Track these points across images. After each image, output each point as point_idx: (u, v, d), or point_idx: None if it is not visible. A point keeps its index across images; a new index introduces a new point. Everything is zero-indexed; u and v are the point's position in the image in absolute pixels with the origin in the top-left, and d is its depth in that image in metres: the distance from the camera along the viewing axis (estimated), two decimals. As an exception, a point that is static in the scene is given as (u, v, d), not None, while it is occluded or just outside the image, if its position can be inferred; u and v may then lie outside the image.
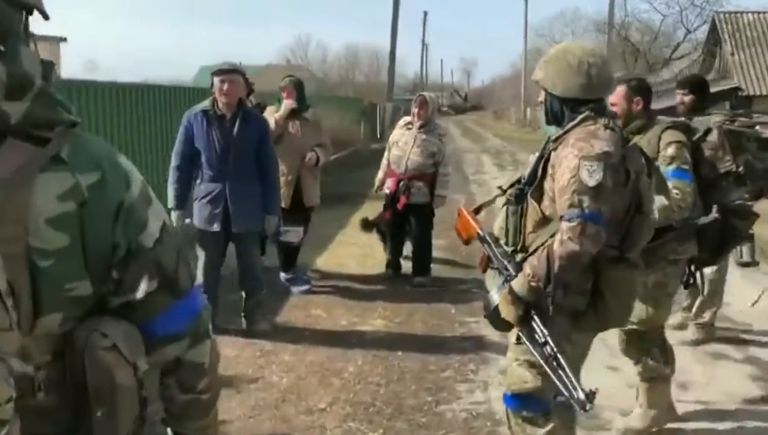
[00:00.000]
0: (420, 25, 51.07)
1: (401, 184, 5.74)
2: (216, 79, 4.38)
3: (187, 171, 4.47)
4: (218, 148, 4.37)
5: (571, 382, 2.01)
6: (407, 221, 5.92)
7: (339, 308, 5.20)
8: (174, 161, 4.50)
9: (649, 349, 3.24)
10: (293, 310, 5.15)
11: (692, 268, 3.30)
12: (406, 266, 6.09)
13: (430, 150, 5.70)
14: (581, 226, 2.06)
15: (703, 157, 3.31)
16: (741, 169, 3.67)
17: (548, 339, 2.08)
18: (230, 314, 4.83)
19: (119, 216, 1.03)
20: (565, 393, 2.02)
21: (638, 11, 38.37)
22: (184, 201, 4.48)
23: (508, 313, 2.19)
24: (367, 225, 6.41)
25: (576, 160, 2.11)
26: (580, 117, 2.23)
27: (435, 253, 6.30)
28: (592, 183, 2.07)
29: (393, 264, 6.09)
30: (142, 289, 1.07)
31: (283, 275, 5.65)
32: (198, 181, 4.47)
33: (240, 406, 3.53)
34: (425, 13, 51.90)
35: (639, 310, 2.93)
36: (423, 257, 5.94)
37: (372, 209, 8.01)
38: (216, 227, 4.40)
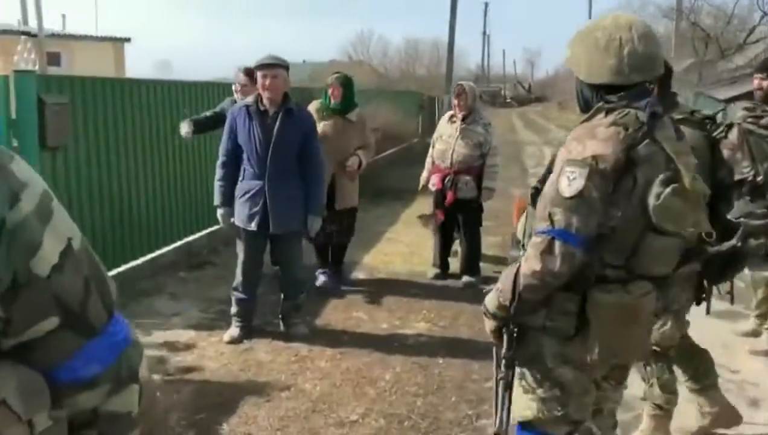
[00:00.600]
0: (481, 16, 50.19)
1: (447, 178, 5.48)
2: (258, 74, 4.21)
3: (233, 167, 4.33)
4: (258, 144, 4.20)
5: (502, 411, 1.96)
6: (455, 217, 5.65)
7: (381, 310, 4.98)
8: (220, 158, 4.40)
9: (660, 374, 2.86)
10: (333, 312, 4.96)
11: (705, 284, 2.72)
12: (455, 265, 5.83)
13: (476, 141, 5.41)
14: (546, 243, 1.79)
15: (721, 157, 2.76)
16: (760, 178, 3.10)
17: (501, 363, 1.97)
18: (269, 315, 4.71)
19: (1, 238, 0.83)
20: (496, 419, 1.99)
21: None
22: (230, 198, 4.35)
23: (486, 327, 2.04)
24: (425, 220, 6.11)
25: (561, 164, 1.83)
26: (594, 108, 1.90)
27: (486, 251, 6.01)
28: (568, 193, 1.77)
29: (440, 263, 5.83)
30: (38, 328, 0.87)
31: (319, 272, 5.48)
32: (240, 178, 4.33)
33: (268, 416, 3.36)
34: (486, 4, 50.98)
35: None
36: (472, 255, 5.66)
37: (423, 206, 7.78)
38: (254, 226, 4.25)
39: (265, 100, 4.24)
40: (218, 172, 4.40)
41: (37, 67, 4.56)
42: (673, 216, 1.80)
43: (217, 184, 4.40)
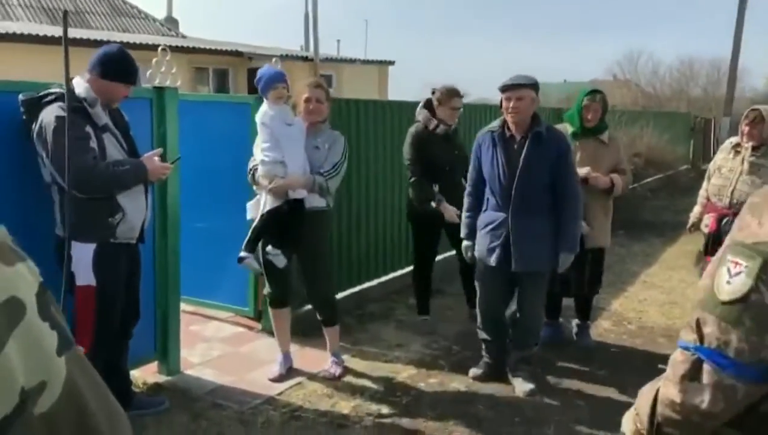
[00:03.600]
0: (773, 29, 44.16)
1: (725, 221, 4.50)
2: (503, 97, 3.81)
3: (480, 198, 4.00)
4: (502, 173, 3.79)
5: None
6: None
7: (628, 372, 4.20)
8: (467, 188, 4.10)
9: None
10: (569, 368, 4.30)
11: None
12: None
13: (767, 179, 4.35)
14: (690, 365, 1.12)
15: None
16: None
17: None
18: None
19: None
20: None
21: None
22: (475, 231, 4.02)
23: None
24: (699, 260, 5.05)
25: (724, 247, 1.14)
26: None
27: None
28: (725, 295, 1.08)
29: (708, 320, 4.82)
30: None
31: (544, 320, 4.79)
32: (483, 208, 3.97)
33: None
34: (781, 15, 44.51)
35: None
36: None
37: (690, 246, 6.66)
38: (493, 262, 3.86)
39: (510, 124, 3.82)
40: (465, 203, 4.10)
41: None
42: None
43: (463, 216, 4.11)
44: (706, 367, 1.14)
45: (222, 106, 4.89)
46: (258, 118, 3.85)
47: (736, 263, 1.13)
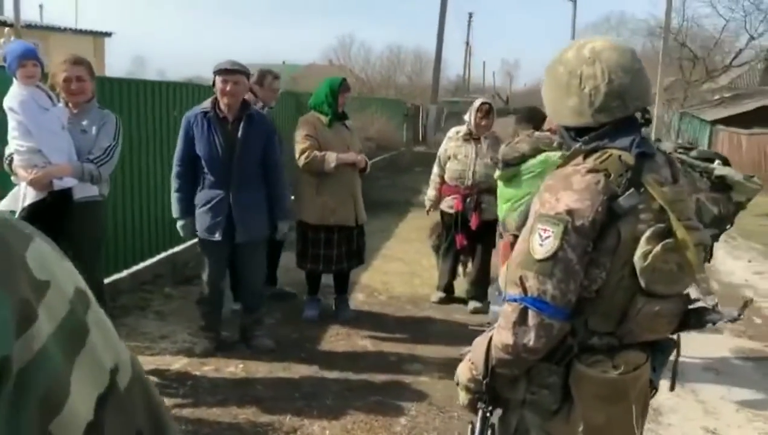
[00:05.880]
0: (464, 26, 50.12)
1: (468, 200, 5.12)
2: (218, 79, 3.98)
3: (189, 177, 4.09)
4: (221, 152, 3.99)
5: None
6: (473, 240, 5.24)
7: (387, 340, 4.61)
8: (175, 167, 4.13)
9: None
10: (335, 340, 4.58)
11: None
12: (459, 289, 5.48)
13: (496, 159, 5.07)
14: (519, 312, 1.53)
15: None
16: None
17: None
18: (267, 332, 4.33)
19: (1, 392, 0.48)
20: None
21: (698, 16, 37.05)
22: (189, 208, 4.11)
23: (460, 400, 1.79)
24: (436, 238, 5.60)
25: (532, 219, 1.58)
26: (570, 151, 1.66)
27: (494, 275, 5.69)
28: (539, 254, 1.52)
29: (446, 286, 5.48)
30: None
31: (307, 302, 5.05)
32: (199, 187, 4.08)
33: (275, 467, 2.99)
34: (470, 15, 50.72)
35: None
36: (484, 280, 5.32)
37: (419, 220, 7.43)
38: (218, 236, 4.05)
39: (223, 107, 4.03)
40: (174, 183, 4.14)
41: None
42: (664, 278, 1.55)
43: (175, 196, 4.15)
44: (531, 312, 1.51)
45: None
46: (6, 102, 3.38)
47: (545, 230, 1.52)
